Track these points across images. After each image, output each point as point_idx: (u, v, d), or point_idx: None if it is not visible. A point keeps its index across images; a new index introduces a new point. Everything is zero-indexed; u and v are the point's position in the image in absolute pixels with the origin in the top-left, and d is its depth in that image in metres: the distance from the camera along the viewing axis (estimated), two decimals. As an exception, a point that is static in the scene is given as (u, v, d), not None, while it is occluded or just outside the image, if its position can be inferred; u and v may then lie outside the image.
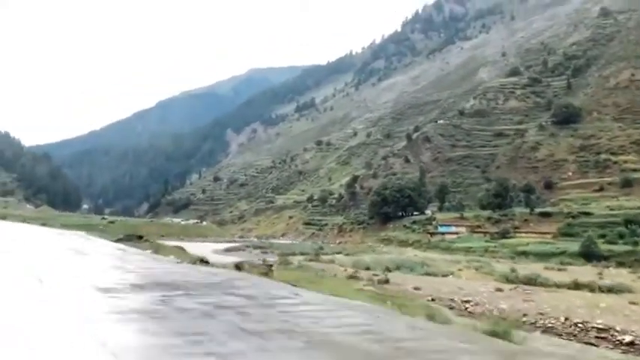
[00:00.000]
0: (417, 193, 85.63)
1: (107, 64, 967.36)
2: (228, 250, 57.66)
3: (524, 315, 19.18)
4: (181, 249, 25.81)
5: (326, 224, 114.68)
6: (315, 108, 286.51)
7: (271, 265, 20.30)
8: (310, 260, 41.07)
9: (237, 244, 68.20)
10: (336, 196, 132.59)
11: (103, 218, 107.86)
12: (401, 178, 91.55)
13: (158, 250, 21.39)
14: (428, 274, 32.55)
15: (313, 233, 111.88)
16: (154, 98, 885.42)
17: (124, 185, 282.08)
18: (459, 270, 37.02)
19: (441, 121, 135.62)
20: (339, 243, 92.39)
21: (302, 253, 52.19)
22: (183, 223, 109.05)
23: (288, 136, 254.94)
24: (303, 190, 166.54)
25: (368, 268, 33.31)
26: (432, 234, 73.31)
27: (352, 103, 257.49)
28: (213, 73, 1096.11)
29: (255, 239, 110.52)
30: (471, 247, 59.54)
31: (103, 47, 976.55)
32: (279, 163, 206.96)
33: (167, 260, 16.23)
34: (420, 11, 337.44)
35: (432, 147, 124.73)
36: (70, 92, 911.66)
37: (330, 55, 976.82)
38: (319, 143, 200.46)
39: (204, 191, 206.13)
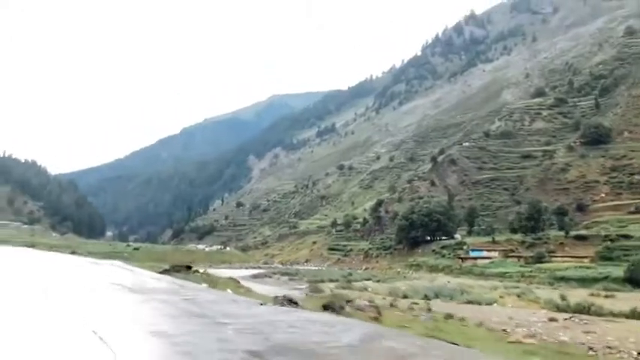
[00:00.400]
0: (445, 217, 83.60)
1: (132, 92, 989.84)
2: (255, 277, 56.38)
3: (590, 349, 17.53)
4: (236, 281, 24.34)
5: (351, 250, 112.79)
6: (336, 132, 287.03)
7: (377, 307, 17.59)
8: (343, 288, 39.68)
9: (262, 271, 66.85)
10: (360, 220, 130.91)
11: (128, 245, 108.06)
12: (429, 201, 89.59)
13: (216, 284, 19.82)
14: (470, 302, 30.85)
15: (339, 259, 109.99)
16: (178, 125, 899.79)
17: (148, 212, 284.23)
18: (501, 297, 35.19)
19: (467, 144, 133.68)
20: (366, 269, 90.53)
21: (331, 280, 50.82)
22: (207, 249, 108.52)
23: (309, 161, 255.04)
24: (326, 215, 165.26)
25: (405, 297, 31.71)
26: (463, 259, 71.11)
27: (373, 127, 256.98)
28: (236, 99, 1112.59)
29: (280, 265, 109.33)
30: (506, 273, 57.31)
31: (128, 75, 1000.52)
32: (302, 187, 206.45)
33: (243, 300, 13.26)
34: (440, 35, 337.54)
35: (458, 170, 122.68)
36: (96, 120, 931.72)
37: (349, 80, 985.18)
38: (341, 167, 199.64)
39: (227, 217, 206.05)
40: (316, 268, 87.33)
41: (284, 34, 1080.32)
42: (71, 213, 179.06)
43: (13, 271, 18.38)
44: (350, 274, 57.69)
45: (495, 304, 30.43)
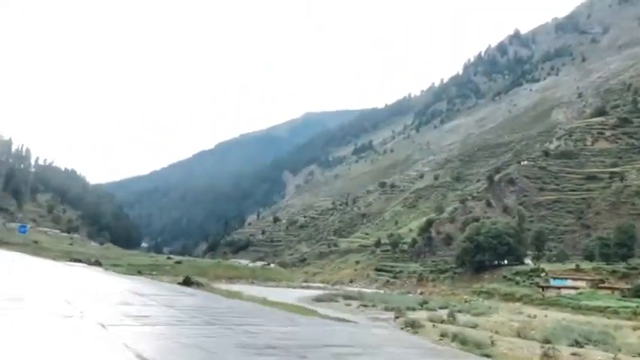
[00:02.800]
0: (516, 241, 76.29)
1: (168, 106, 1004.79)
2: (318, 300, 50.19)
3: None
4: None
5: (400, 271, 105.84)
6: (373, 150, 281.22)
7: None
8: (441, 322, 33.28)
9: (321, 293, 60.65)
10: (407, 241, 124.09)
11: (168, 258, 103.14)
12: (496, 222, 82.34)
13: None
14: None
15: (388, 281, 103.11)
16: (213, 140, 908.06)
17: (181, 225, 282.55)
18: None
19: (525, 162, 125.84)
20: (421, 293, 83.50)
21: (408, 308, 44.37)
22: (250, 265, 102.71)
23: (346, 178, 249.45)
24: (367, 234, 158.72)
25: (548, 342, 25.02)
26: (543, 288, 63.68)
27: (414, 145, 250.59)
28: (270, 116, 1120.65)
29: (324, 284, 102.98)
30: (607, 307, 49.84)
31: (165, 90, 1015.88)
32: (340, 205, 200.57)
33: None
34: (482, 54, 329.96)
35: (517, 190, 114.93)
36: (133, 132, 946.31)
37: (383, 99, 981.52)
38: (383, 185, 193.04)
39: (263, 232, 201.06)
40: (372, 290, 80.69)
41: (318, 54, 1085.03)
42: (108, 223, 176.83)
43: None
44: (426, 302, 50.96)
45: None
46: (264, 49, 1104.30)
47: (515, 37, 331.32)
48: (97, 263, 41.48)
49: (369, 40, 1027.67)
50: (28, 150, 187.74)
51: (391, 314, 39.54)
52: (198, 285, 26.01)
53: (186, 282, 26.67)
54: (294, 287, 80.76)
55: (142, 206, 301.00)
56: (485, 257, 76.55)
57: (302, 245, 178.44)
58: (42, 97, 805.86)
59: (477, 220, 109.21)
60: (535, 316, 45.26)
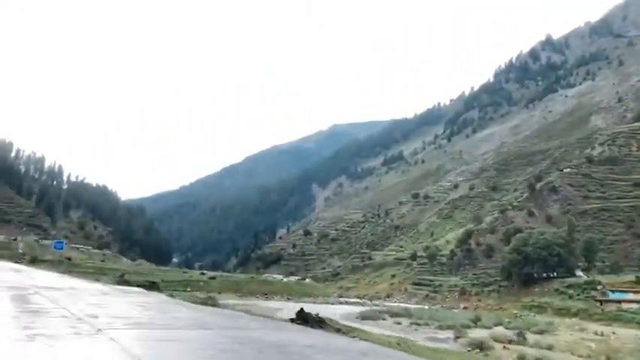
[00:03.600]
0: (566, 251, 71.69)
1: (197, 120, 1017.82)
2: (364, 318, 46.86)
3: None
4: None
5: (440, 285, 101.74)
6: (404, 161, 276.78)
7: None
8: (509, 342, 29.80)
9: (363, 309, 57.34)
10: (445, 253, 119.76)
11: (202, 273, 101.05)
12: (544, 232, 77.80)
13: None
14: None
15: (427, 295, 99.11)
16: (241, 153, 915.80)
17: (212, 239, 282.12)
18: None
19: (567, 170, 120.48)
20: (465, 308, 79.37)
21: (463, 326, 40.86)
22: (284, 280, 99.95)
23: (377, 190, 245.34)
24: (401, 247, 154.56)
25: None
26: (601, 302, 59.12)
27: (445, 155, 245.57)
28: (298, 128, 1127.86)
29: (361, 300, 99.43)
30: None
31: (192, 103, 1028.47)
32: (372, 217, 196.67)
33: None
34: (514, 60, 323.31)
35: (561, 198, 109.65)
36: (161, 147, 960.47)
37: (408, 110, 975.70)
38: (416, 196, 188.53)
39: (294, 246, 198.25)
40: (415, 306, 76.88)
41: (339, 68, 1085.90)
42: (139, 239, 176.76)
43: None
44: (478, 319, 47.19)
45: None
46: (281, 57, 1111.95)
47: (548, 42, 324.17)
48: (155, 287, 34.93)
49: (393, 49, 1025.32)
50: (60, 167, 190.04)
51: (447, 333, 36.11)
52: (320, 323, 14.47)
53: (303, 317, 14.42)
54: (332, 303, 77.53)
55: (172, 221, 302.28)
56: (534, 269, 72.09)
57: (334, 259, 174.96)
58: (68, 113, 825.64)
59: (519, 230, 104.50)
60: (602, 334, 41.29)
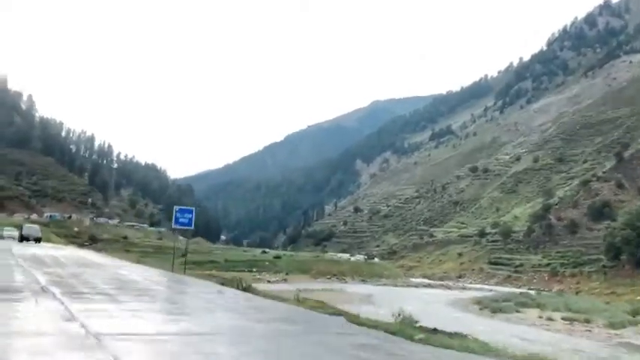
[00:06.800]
0: (689, 227, 62.98)
1: (236, 99, 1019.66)
2: (484, 307, 39.93)
3: None
4: None
5: (521, 264, 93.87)
6: (454, 135, 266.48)
7: None
8: None
9: (456, 293, 50.34)
10: (515, 229, 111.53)
11: (263, 252, 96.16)
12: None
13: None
14: None
15: (509, 276, 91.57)
16: (282, 132, 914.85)
17: (258, 217, 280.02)
18: None
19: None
20: (561, 291, 71.63)
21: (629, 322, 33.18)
22: (352, 259, 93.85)
23: (427, 165, 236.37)
24: (462, 223, 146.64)
25: None
26: None
27: (499, 127, 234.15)
28: (338, 106, 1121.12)
29: (428, 280, 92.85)
30: None
31: (235, 84, 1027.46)
32: (427, 192, 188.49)
33: None
34: (568, 27, 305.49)
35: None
36: (204, 126, 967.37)
37: (448, 84, 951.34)
38: (474, 170, 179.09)
39: (345, 223, 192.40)
40: (491, 287, 69.37)
41: (377, 44, 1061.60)
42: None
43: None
44: (637, 312, 38.85)
45: None
46: (317, 36, 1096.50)
47: (606, 7, 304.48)
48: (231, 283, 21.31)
49: (434, 30, 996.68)
50: (110, 145, 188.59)
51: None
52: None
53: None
54: (415, 286, 71.06)
55: (218, 199, 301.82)
56: (654, 249, 63.60)
57: (389, 236, 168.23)
58: (118, 94, 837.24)
59: (607, 204, 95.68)
60: None
